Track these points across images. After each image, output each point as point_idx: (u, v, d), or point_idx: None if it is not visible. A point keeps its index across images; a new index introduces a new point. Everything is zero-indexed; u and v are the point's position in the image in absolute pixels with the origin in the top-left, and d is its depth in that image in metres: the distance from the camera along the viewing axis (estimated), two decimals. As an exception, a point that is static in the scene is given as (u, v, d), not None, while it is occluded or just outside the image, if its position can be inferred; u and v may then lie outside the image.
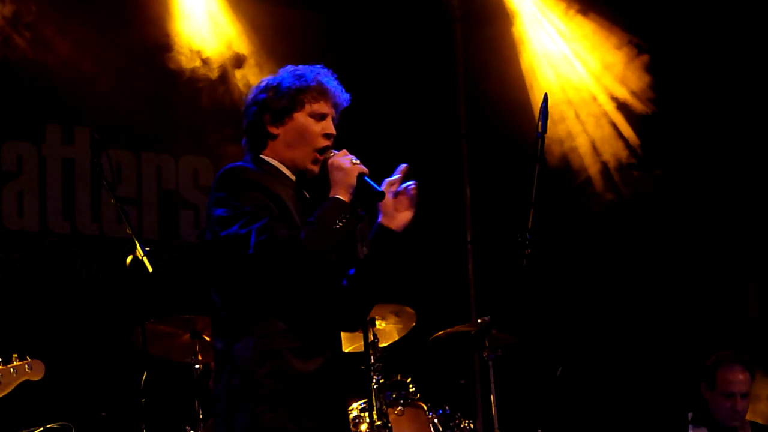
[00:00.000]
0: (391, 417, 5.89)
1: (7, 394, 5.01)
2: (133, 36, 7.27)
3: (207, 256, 3.78)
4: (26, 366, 4.97)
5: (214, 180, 3.76)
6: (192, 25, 7.41)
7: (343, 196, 3.69)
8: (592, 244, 7.95)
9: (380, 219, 3.84)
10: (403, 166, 3.86)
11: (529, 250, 4.41)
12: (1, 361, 4.95)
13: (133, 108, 7.28)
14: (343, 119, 3.94)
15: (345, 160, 3.75)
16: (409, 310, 6.33)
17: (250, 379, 3.62)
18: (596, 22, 7.83)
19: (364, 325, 3.90)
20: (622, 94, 7.85)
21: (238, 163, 3.79)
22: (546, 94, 4.51)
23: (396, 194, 3.83)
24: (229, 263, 3.68)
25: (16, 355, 4.99)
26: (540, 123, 4.44)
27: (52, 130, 7.19)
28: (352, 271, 3.86)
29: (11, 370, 4.93)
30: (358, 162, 3.75)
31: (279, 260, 3.57)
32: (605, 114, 7.94)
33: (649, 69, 7.72)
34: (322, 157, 3.84)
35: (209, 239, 3.75)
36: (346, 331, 3.95)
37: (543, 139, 4.44)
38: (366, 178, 3.73)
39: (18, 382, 4.95)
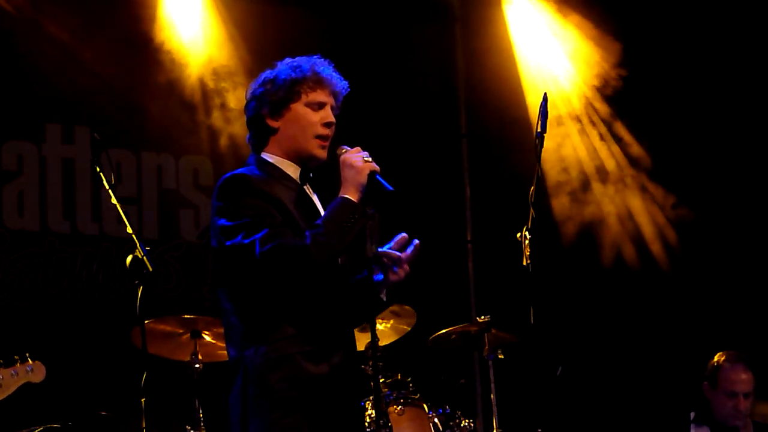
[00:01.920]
0: (391, 417, 5.89)
1: (8, 396, 5.00)
2: (133, 36, 7.27)
3: (215, 263, 3.78)
4: (27, 368, 4.95)
5: (215, 189, 3.75)
6: (187, 24, 7.40)
7: (352, 195, 3.68)
8: (592, 244, 7.95)
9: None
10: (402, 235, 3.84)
11: (530, 250, 4.39)
12: (2, 363, 4.93)
13: (133, 108, 7.28)
14: (343, 120, 3.93)
15: (357, 158, 3.73)
16: (409, 309, 6.33)
17: (264, 386, 3.61)
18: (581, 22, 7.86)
19: (371, 325, 3.88)
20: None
21: (238, 171, 3.77)
22: (546, 94, 4.49)
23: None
24: (237, 272, 3.68)
25: (17, 357, 4.97)
26: (540, 122, 4.43)
27: (52, 130, 7.19)
28: (358, 276, 3.85)
29: (12, 372, 4.91)
30: (371, 159, 3.73)
31: (286, 268, 3.56)
32: (595, 112, 7.96)
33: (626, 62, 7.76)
34: (326, 143, 3.83)
35: (215, 247, 3.75)
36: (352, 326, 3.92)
37: (543, 138, 4.43)
38: (377, 176, 3.71)
39: (19, 384, 4.93)
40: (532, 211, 4.40)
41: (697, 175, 7.74)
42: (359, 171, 3.70)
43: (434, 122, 8.46)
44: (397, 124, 8.10)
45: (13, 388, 4.92)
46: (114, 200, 4.79)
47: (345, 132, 3.97)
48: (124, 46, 7.27)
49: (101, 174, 4.84)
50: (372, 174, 3.70)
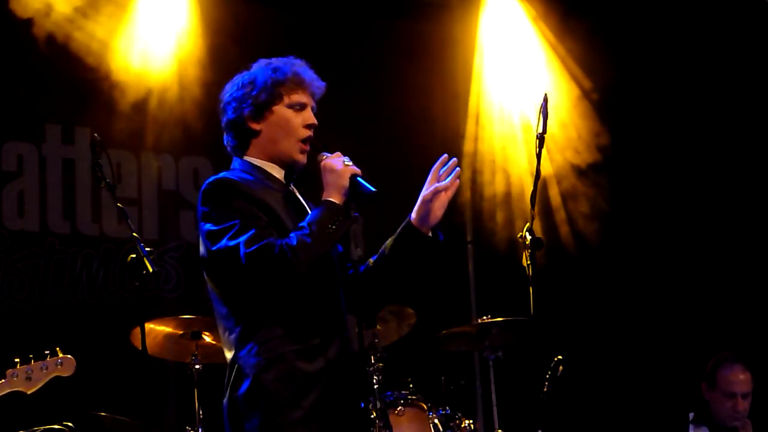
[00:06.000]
0: (391, 417, 5.89)
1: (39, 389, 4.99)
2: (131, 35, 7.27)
3: (204, 269, 3.79)
4: (57, 362, 4.93)
5: (200, 194, 3.77)
6: (176, 25, 7.42)
7: (335, 199, 3.71)
8: (591, 244, 7.95)
9: (411, 216, 3.85)
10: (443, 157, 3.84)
11: (530, 250, 4.40)
12: (33, 357, 4.93)
13: (133, 108, 7.28)
14: (343, 120, 3.94)
15: (337, 162, 3.76)
16: (409, 310, 6.33)
17: (258, 386, 3.63)
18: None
19: (359, 324, 3.89)
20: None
21: (220, 175, 3.80)
22: (546, 94, 4.49)
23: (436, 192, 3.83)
24: (225, 275, 3.70)
25: (48, 352, 4.97)
26: (540, 123, 4.43)
27: (52, 130, 7.19)
28: (374, 258, 3.87)
29: (41, 366, 4.90)
30: (351, 163, 3.77)
31: (271, 269, 3.58)
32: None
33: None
34: (307, 147, 3.85)
35: (203, 255, 3.77)
36: (362, 320, 3.94)
37: (543, 139, 4.44)
38: (359, 178, 3.75)
39: (48, 378, 4.90)
40: (532, 210, 4.40)
41: (709, 173, 7.76)
42: (340, 174, 3.73)
43: (434, 122, 8.46)
44: (397, 125, 8.10)
45: (42, 382, 4.90)
46: (114, 200, 4.79)
47: (344, 132, 3.97)
48: (123, 45, 7.27)
49: (101, 174, 4.84)
50: (353, 177, 3.74)
